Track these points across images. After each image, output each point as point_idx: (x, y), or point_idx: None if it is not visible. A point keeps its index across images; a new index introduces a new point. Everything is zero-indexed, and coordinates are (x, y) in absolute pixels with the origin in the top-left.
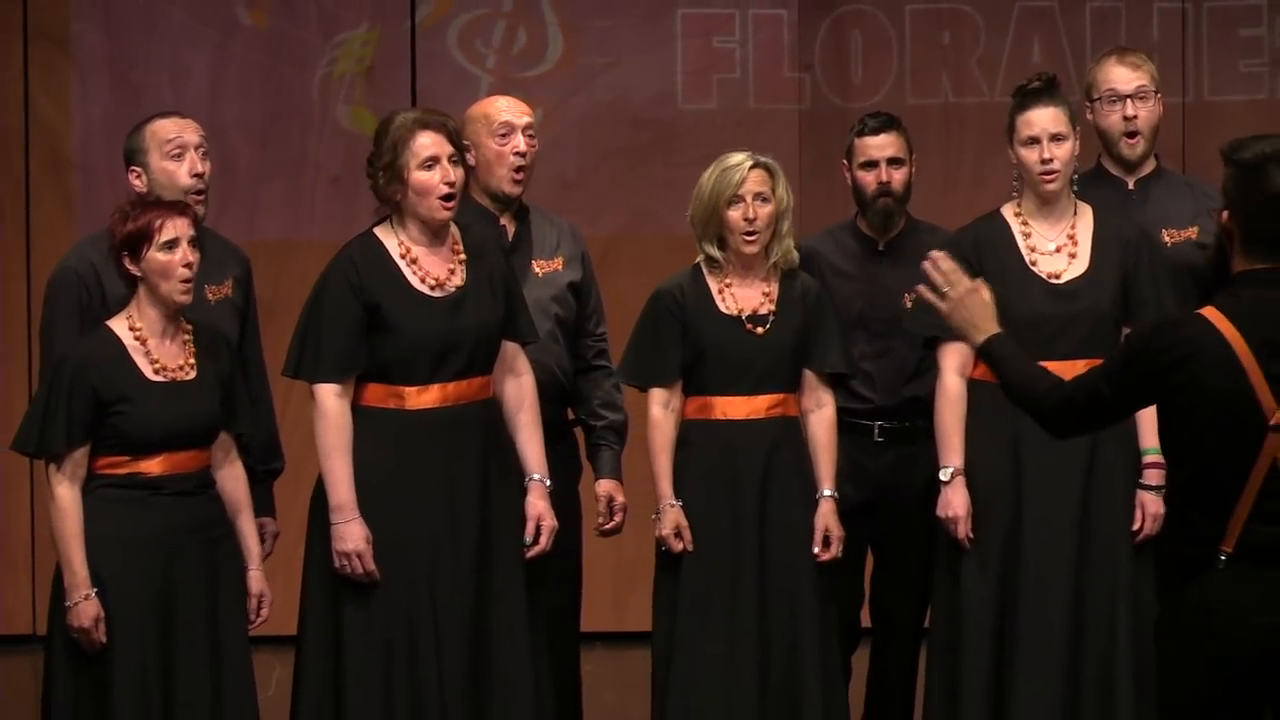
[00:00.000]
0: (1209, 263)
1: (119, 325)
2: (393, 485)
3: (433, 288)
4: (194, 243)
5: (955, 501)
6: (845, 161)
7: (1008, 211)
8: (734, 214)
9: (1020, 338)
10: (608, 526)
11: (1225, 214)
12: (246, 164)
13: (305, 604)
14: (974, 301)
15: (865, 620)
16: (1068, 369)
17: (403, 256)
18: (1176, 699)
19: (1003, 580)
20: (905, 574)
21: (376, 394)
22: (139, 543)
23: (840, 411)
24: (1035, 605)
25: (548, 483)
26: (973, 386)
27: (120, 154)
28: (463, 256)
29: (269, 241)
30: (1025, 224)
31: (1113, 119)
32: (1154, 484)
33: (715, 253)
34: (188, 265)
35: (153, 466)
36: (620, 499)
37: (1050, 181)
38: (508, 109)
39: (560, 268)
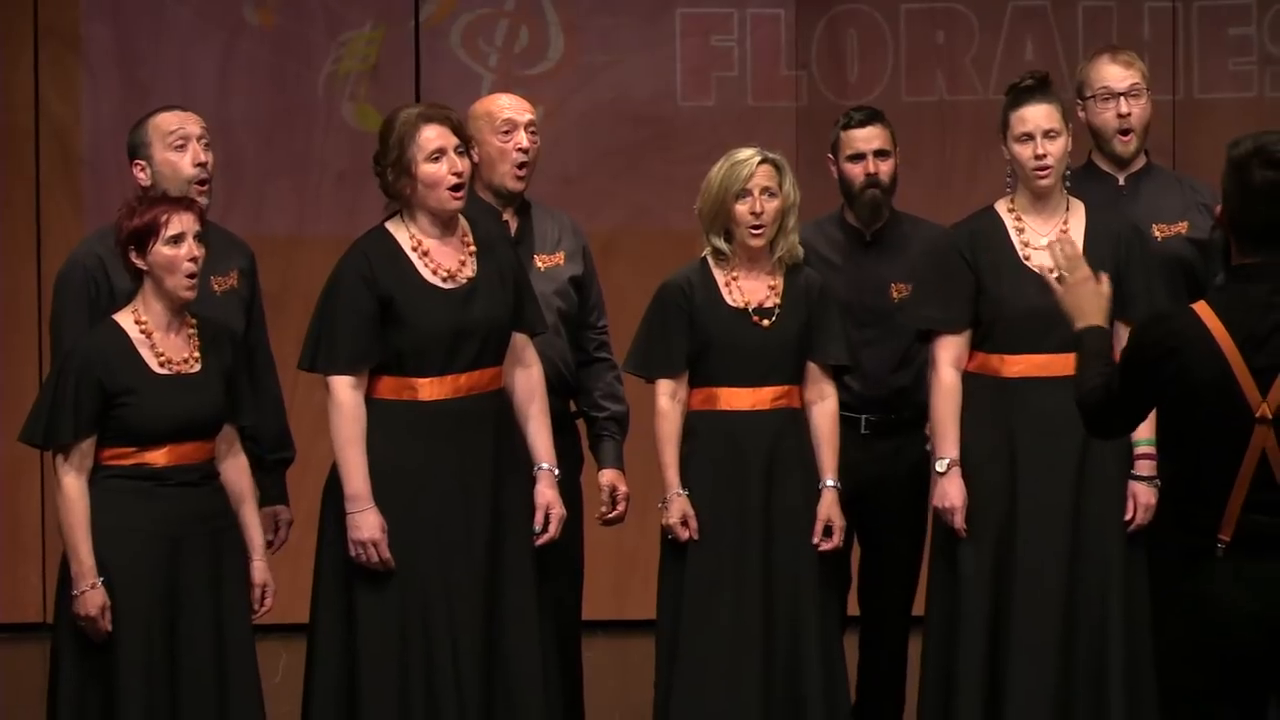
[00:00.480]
0: (1220, 258)
1: (125, 319)
2: (406, 475)
3: (444, 280)
4: (199, 238)
5: (951, 492)
6: (831, 155)
7: (1001, 207)
8: (741, 208)
9: (1015, 331)
10: (610, 516)
11: (1220, 210)
12: (254, 160)
13: (318, 593)
14: (1088, 289)
15: (852, 609)
16: (1061, 363)
17: (414, 249)
18: (1178, 687)
19: (997, 570)
20: (893, 563)
21: (389, 386)
22: (145, 533)
23: None
24: (1029, 594)
25: (556, 472)
26: (967, 379)
27: None
28: (473, 249)
29: (276, 236)
30: (1019, 219)
31: (1106, 116)
32: (1145, 475)
33: (722, 245)
34: (193, 260)
35: (158, 458)
36: (622, 489)
37: (1043, 177)
38: (510, 106)
39: (562, 262)
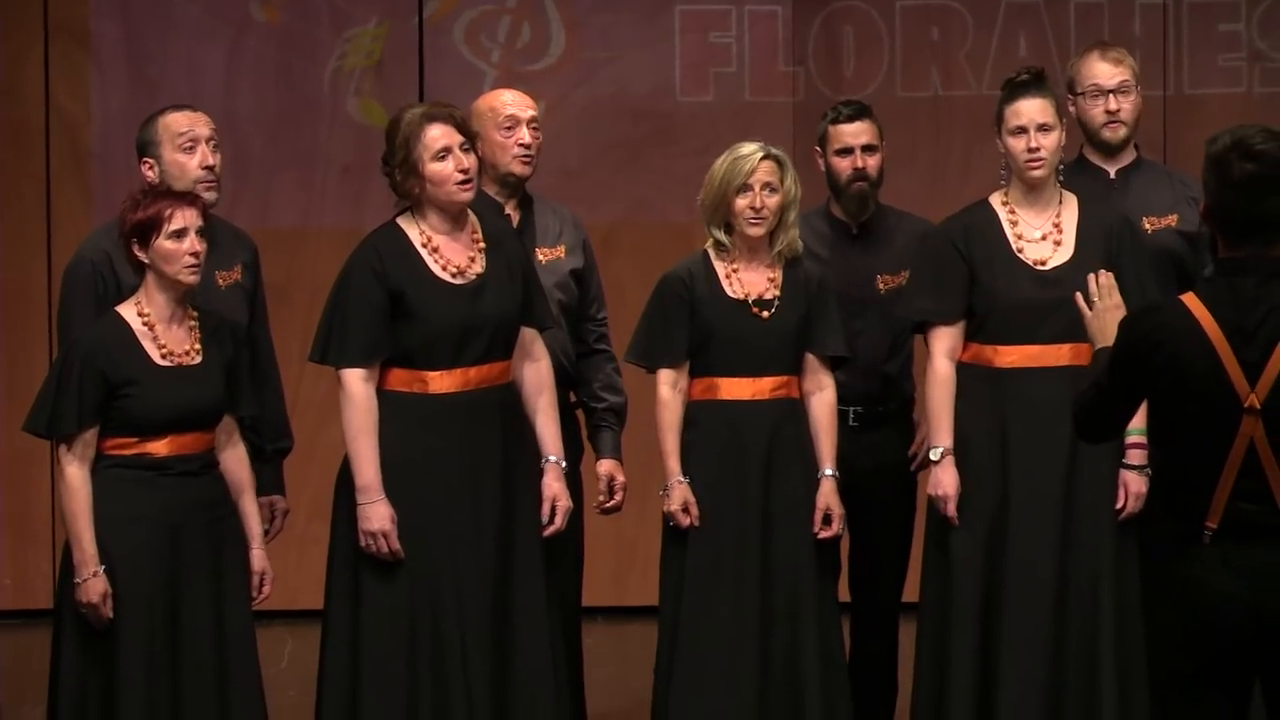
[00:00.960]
0: (1209, 251)
1: (128, 311)
2: (416, 467)
3: (454, 275)
4: (201, 232)
5: (945, 480)
6: (819, 148)
7: (995, 200)
8: (742, 202)
9: (1009, 322)
10: (609, 505)
11: (1202, 205)
12: (260, 155)
13: (331, 583)
14: (1114, 317)
15: (843, 596)
16: (1054, 353)
17: (424, 245)
18: (1168, 672)
19: (990, 558)
20: (883, 552)
21: (400, 378)
22: (146, 521)
23: None
24: (1021, 582)
25: (564, 464)
26: (962, 369)
27: None
28: (482, 244)
29: (281, 230)
30: (1012, 212)
31: (1095, 112)
32: (1136, 463)
33: (723, 238)
34: (194, 254)
35: (159, 448)
36: (621, 478)
37: (1037, 168)
38: (513, 102)
39: (563, 255)
